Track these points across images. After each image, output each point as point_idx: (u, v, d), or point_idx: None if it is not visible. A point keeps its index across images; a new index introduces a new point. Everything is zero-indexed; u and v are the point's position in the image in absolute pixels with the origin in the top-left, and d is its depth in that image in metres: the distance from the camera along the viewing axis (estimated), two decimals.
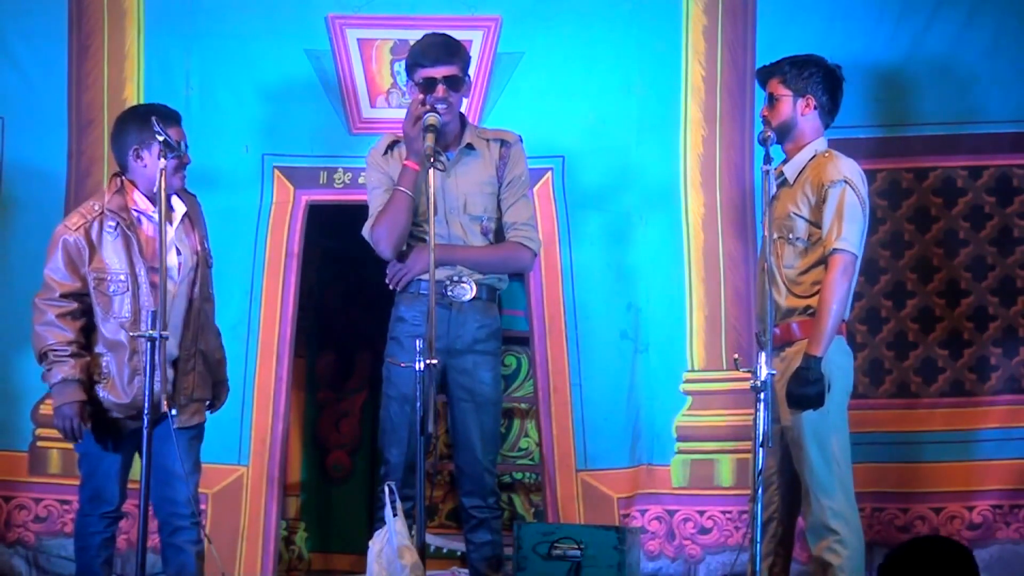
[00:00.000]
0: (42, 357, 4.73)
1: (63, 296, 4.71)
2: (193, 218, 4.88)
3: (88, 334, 4.76)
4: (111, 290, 4.72)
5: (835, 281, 4.73)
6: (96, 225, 4.74)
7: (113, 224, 4.74)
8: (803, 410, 4.72)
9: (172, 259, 4.75)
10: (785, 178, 4.92)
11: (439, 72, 4.97)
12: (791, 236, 4.84)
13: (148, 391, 4.48)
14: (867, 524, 5.57)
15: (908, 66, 5.78)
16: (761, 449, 4.45)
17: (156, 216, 4.75)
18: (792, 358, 4.79)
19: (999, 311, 5.73)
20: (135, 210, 4.79)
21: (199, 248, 4.84)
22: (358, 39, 5.88)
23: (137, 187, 4.82)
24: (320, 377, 6.67)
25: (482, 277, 5.05)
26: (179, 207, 4.84)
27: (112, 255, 4.72)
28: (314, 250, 6.05)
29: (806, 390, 4.69)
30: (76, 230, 4.74)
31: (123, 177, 4.85)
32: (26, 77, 5.87)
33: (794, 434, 4.77)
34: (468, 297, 5.02)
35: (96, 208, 4.78)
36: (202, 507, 5.57)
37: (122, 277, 4.72)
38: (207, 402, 4.94)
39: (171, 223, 4.77)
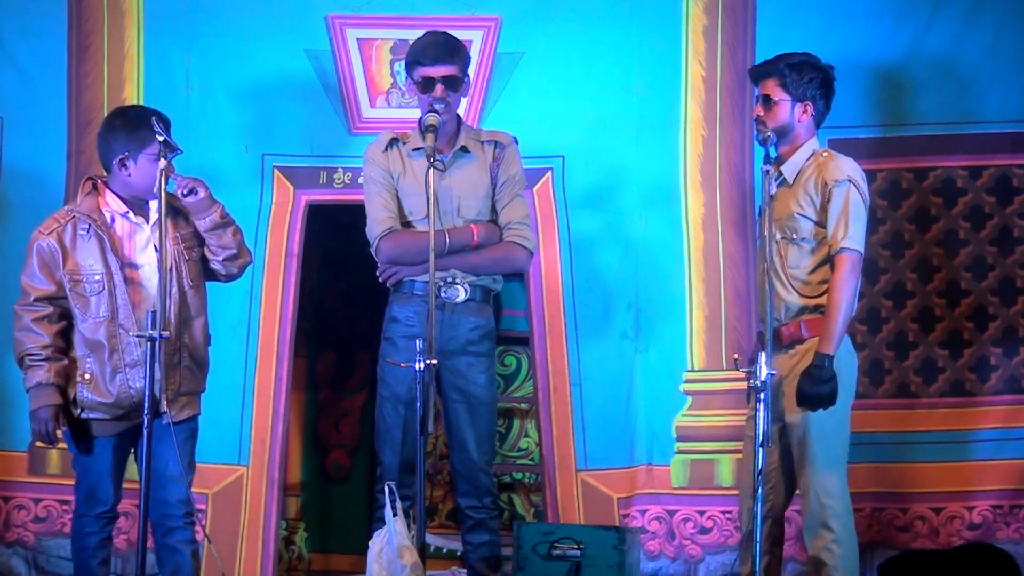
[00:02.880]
0: (20, 362, 4.77)
1: (37, 300, 4.74)
2: (175, 217, 4.86)
3: (67, 338, 4.77)
4: (87, 290, 4.73)
5: (844, 280, 4.74)
6: (69, 228, 4.76)
7: (85, 226, 4.75)
8: (814, 409, 4.72)
9: (149, 256, 4.74)
10: (784, 178, 4.91)
11: (438, 72, 4.97)
12: (795, 237, 4.84)
13: (148, 390, 4.48)
14: (867, 524, 5.59)
15: (908, 66, 5.78)
16: (761, 449, 4.46)
17: (130, 215, 4.78)
18: (803, 356, 4.78)
19: (999, 311, 5.73)
20: (107, 210, 4.80)
21: (175, 245, 4.82)
22: (358, 39, 5.87)
23: (112, 190, 4.81)
24: (320, 377, 6.66)
25: (475, 279, 5.04)
26: (155, 207, 4.83)
27: (86, 256, 4.73)
28: (314, 250, 6.05)
29: (819, 389, 4.70)
30: (49, 234, 4.76)
31: (95, 180, 4.86)
32: (25, 77, 5.87)
33: (799, 433, 4.77)
34: (461, 299, 5.01)
35: (69, 212, 4.81)
36: (202, 507, 5.57)
37: (97, 276, 4.73)
38: (200, 393, 4.92)
39: (147, 221, 4.77)
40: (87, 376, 4.72)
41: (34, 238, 4.79)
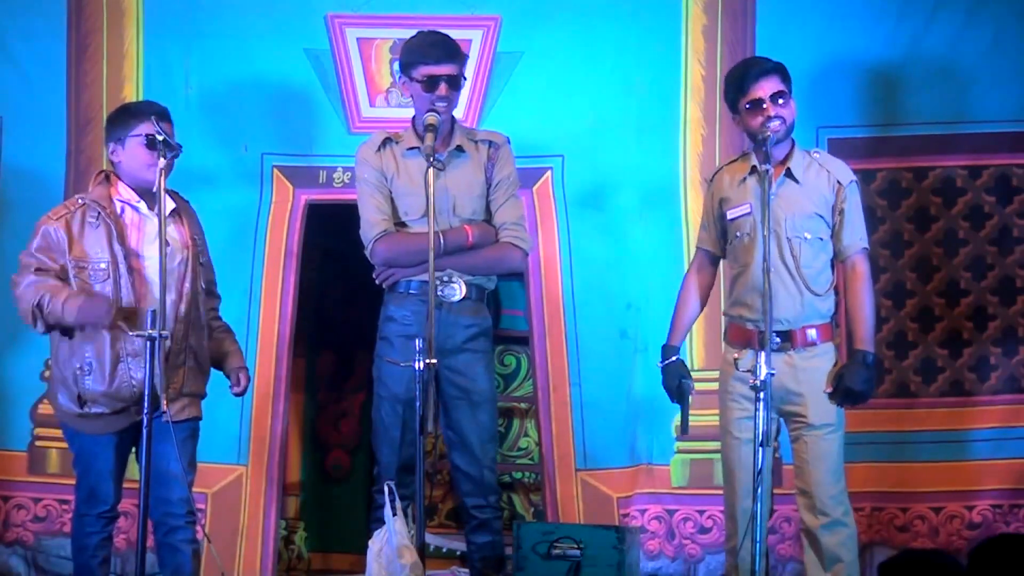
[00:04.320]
0: (38, 310, 4.64)
1: (38, 270, 4.69)
2: (185, 217, 4.87)
3: None
4: (92, 278, 4.70)
5: (869, 278, 4.82)
6: (78, 216, 4.74)
7: (95, 214, 4.73)
8: (854, 404, 4.79)
9: (155, 249, 4.72)
10: (795, 178, 4.86)
11: (443, 71, 4.96)
12: (809, 236, 4.82)
13: (148, 389, 4.47)
14: (867, 524, 5.60)
15: (907, 66, 5.78)
16: (761, 448, 4.46)
17: (141, 206, 4.77)
18: (824, 358, 4.79)
19: (999, 311, 5.73)
20: (118, 200, 4.79)
21: (190, 243, 4.83)
22: (357, 38, 5.88)
23: (121, 180, 4.82)
24: (320, 377, 6.67)
25: (471, 277, 5.04)
26: (168, 202, 4.83)
27: (93, 243, 4.71)
28: (314, 250, 6.05)
29: (868, 387, 4.76)
30: (57, 220, 4.74)
31: (108, 172, 4.87)
32: (25, 76, 5.87)
33: (825, 431, 4.75)
34: (457, 297, 5.00)
35: (80, 200, 4.80)
36: (201, 507, 5.56)
37: (103, 265, 4.71)
38: (202, 398, 4.91)
39: (155, 215, 4.76)
40: (88, 367, 4.70)
41: (41, 222, 4.76)
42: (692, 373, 5.70)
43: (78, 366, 4.71)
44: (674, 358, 4.99)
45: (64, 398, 4.75)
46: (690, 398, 4.96)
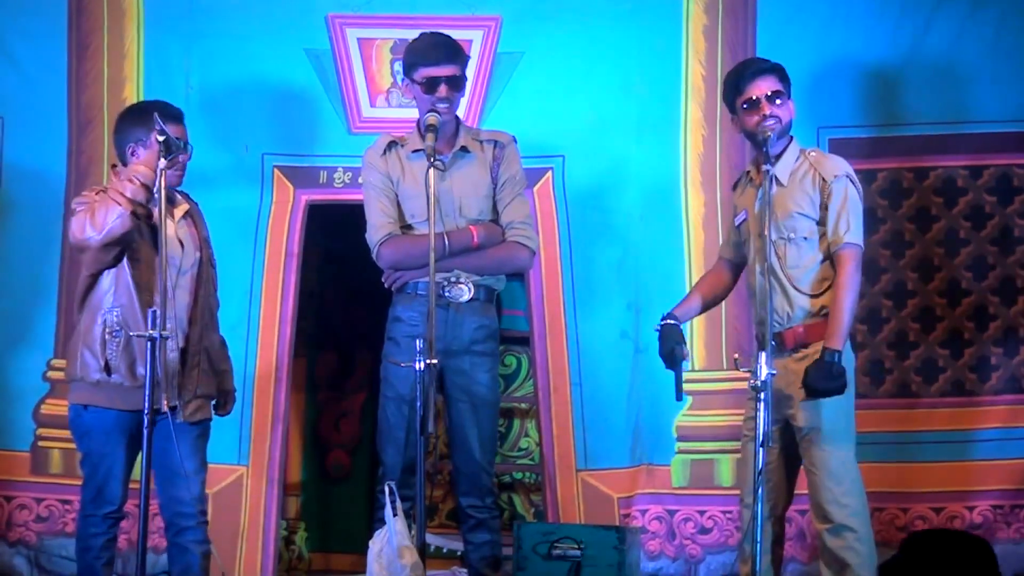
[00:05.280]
0: (106, 225, 4.55)
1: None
2: (195, 219, 4.88)
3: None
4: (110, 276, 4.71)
5: (850, 275, 4.72)
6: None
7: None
8: (824, 397, 4.72)
9: (175, 248, 4.69)
10: (777, 179, 4.85)
11: (443, 72, 4.96)
12: (794, 236, 4.82)
13: (149, 390, 4.46)
14: None
15: (908, 65, 5.78)
16: (761, 449, 4.45)
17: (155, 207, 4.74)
18: (812, 359, 4.77)
19: (1000, 311, 5.73)
20: None
21: (202, 246, 4.82)
22: (358, 38, 5.88)
23: None
24: (320, 377, 6.67)
25: (480, 278, 5.04)
26: (181, 203, 4.84)
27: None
28: (314, 250, 6.05)
29: (830, 384, 4.66)
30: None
31: (119, 169, 4.86)
32: (26, 77, 5.87)
33: (814, 435, 4.73)
34: (465, 298, 5.00)
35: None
36: None
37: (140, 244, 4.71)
38: (212, 400, 4.91)
39: (172, 218, 4.76)
40: (113, 363, 4.67)
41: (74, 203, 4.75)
42: (692, 373, 5.76)
43: (108, 330, 4.68)
44: (670, 321, 4.93)
45: (89, 361, 4.69)
46: (684, 363, 4.88)
